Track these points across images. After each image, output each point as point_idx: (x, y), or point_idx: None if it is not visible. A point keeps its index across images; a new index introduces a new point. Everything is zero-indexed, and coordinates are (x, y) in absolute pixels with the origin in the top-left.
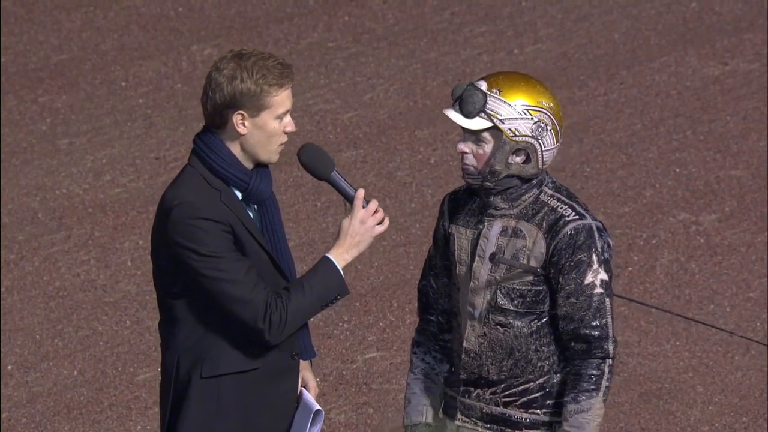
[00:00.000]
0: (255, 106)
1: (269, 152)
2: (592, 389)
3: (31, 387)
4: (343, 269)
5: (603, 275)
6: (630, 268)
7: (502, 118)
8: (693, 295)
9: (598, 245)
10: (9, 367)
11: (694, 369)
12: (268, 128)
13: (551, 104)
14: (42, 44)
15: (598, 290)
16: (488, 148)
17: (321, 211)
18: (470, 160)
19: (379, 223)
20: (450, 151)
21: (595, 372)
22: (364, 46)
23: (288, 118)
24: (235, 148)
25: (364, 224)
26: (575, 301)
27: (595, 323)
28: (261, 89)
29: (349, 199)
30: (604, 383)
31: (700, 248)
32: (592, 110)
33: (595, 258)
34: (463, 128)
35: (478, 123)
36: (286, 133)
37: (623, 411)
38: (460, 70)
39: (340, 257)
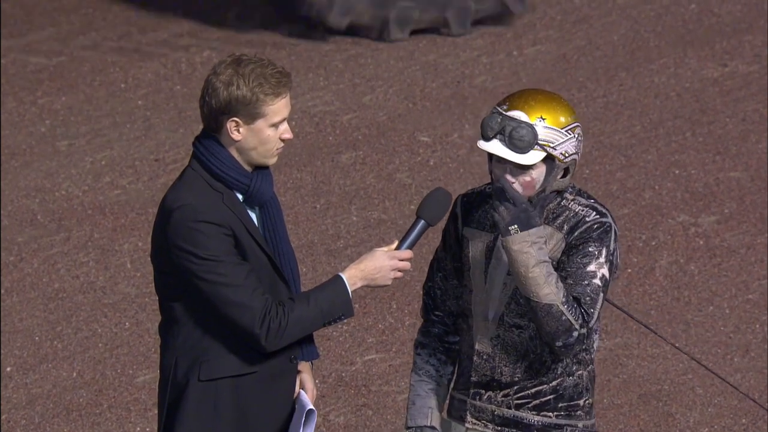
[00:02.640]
0: (250, 114)
1: (265, 157)
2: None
3: (31, 389)
4: (352, 293)
5: (605, 271)
6: (629, 270)
7: (554, 145)
8: (692, 297)
9: (611, 246)
10: (8, 369)
11: (693, 371)
12: (262, 136)
13: (575, 114)
14: (41, 46)
15: (596, 281)
16: (536, 174)
17: (320, 213)
18: (517, 188)
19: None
20: (449, 153)
21: (572, 312)
22: (363, 48)
23: (284, 126)
24: (232, 152)
25: (391, 262)
26: (572, 282)
27: (585, 299)
28: (256, 98)
29: (403, 244)
30: (568, 314)
31: (700, 250)
32: (591, 112)
33: (604, 253)
34: (516, 163)
35: (533, 157)
36: (282, 140)
37: (622, 413)
38: (459, 72)
39: (352, 279)
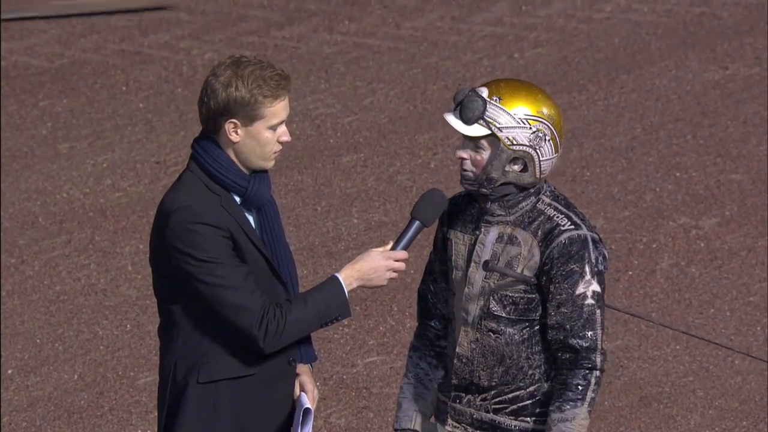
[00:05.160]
0: (248, 115)
1: (262, 160)
2: (578, 399)
3: (32, 391)
4: (348, 293)
5: (595, 287)
6: (630, 272)
7: (501, 126)
8: (693, 300)
9: (592, 256)
10: (9, 371)
11: (694, 373)
12: (261, 138)
13: (552, 114)
14: (43, 48)
15: (589, 301)
16: (486, 154)
17: (321, 216)
18: (468, 165)
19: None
20: (450, 155)
21: (581, 382)
22: (365, 51)
23: (282, 128)
24: (230, 154)
25: (387, 262)
26: (566, 311)
27: (584, 334)
28: (255, 99)
29: (398, 244)
30: (590, 394)
31: (701, 252)
32: (592, 114)
33: (587, 269)
34: (462, 134)
35: (476, 130)
36: (280, 142)
37: (623, 415)
38: (460, 75)
39: (348, 279)
